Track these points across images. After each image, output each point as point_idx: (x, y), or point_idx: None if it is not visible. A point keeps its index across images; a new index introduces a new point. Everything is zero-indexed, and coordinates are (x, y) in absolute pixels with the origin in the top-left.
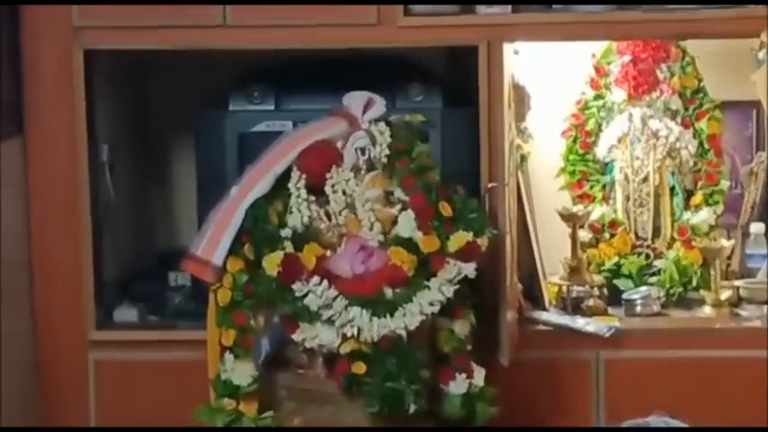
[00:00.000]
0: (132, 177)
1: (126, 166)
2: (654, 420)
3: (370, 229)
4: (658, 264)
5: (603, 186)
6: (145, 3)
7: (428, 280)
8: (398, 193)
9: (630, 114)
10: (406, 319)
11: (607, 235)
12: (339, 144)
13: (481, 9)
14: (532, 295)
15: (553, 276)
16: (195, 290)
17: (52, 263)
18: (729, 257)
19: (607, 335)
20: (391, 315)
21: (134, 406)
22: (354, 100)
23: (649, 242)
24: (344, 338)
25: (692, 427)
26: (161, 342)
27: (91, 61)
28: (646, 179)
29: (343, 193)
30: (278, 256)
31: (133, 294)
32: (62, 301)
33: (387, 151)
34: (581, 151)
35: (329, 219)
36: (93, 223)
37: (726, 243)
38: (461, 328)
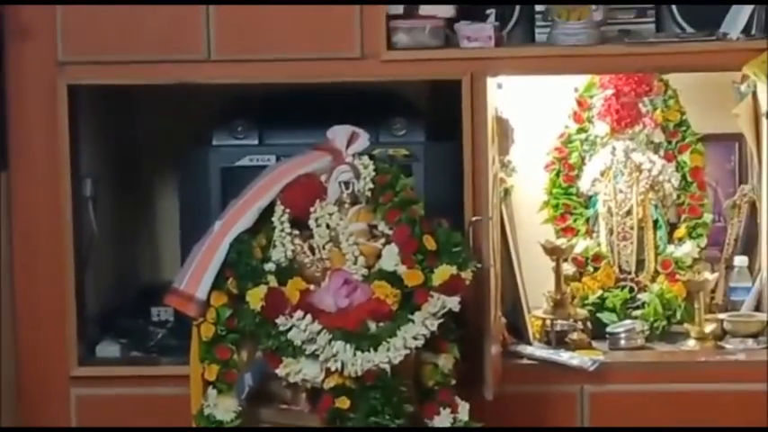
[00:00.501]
0: (115, 212)
1: (109, 200)
2: None
3: (354, 263)
4: (642, 297)
5: (587, 220)
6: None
7: (412, 314)
8: (382, 227)
9: (613, 148)
10: (390, 354)
11: (591, 268)
12: (323, 178)
13: (464, 43)
14: (516, 329)
15: (537, 310)
16: (178, 325)
17: (35, 298)
18: (713, 291)
19: (591, 368)
20: (375, 349)
21: None
22: (338, 134)
23: (633, 275)
24: (328, 373)
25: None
26: (143, 377)
27: (75, 96)
28: (629, 212)
29: (327, 226)
30: (261, 290)
31: (116, 329)
32: (45, 337)
33: (370, 185)
34: (564, 184)
35: (313, 253)
36: (76, 258)
37: (709, 276)
38: (445, 362)
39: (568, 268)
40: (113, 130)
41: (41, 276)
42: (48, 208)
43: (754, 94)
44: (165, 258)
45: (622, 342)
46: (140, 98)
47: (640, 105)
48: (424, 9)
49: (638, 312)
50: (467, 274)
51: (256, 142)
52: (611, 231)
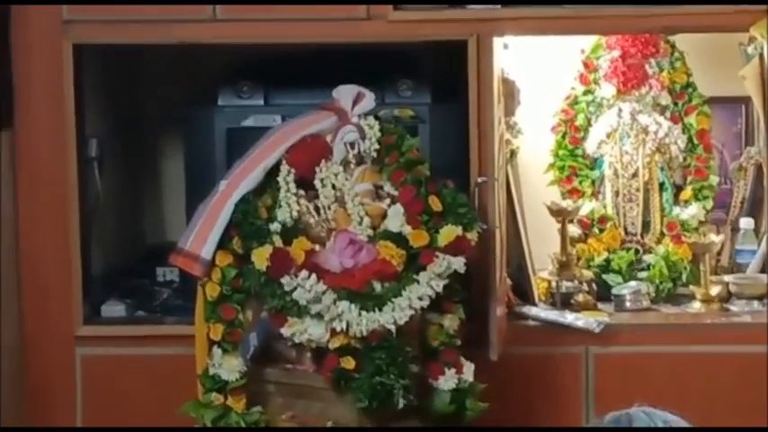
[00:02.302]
0: (121, 172)
1: (114, 161)
2: (634, 411)
3: (360, 223)
4: (648, 259)
5: (593, 182)
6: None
7: (417, 274)
8: (388, 188)
9: (620, 109)
10: (396, 314)
11: (596, 230)
12: (328, 138)
13: (471, 3)
14: (522, 290)
15: (542, 272)
16: (183, 285)
17: (40, 258)
18: (719, 253)
19: (597, 330)
20: (380, 309)
21: (121, 401)
22: (344, 94)
23: (639, 237)
24: (333, 333)
25: (683, 427)
26: (149, 337)
27: (80, 56)
28: (635, 174)
29: (333, 187)
30: (267, 250)
31: (121, 290)
32: (50, 297)
33: (376, 145)
34: (570, 146)
35: (318, 213)
36: (82, 218)
37: (715, 238)
38: (450, 322)
39: (574, 230)
40: (119, 90)
41: (46, 237)
42: (52, 168)
43: (761, 56)
44: (171, 219)
45: (628, 304)
46: (146, 58)
47: (647, 67)
48: None
49: (643, 274)
50: (472, 235)
51: (262, 102)
52: (616, 193)
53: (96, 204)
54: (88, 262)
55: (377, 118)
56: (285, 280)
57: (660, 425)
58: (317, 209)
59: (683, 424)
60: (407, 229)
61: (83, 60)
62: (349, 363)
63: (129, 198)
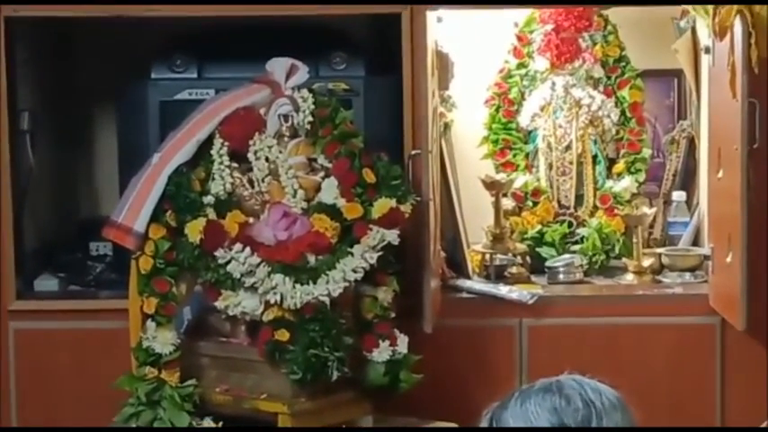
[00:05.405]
0: (53, 146)
1: (47, 134)
2: (564, 378)
3: (294, 196)
4: (581, 232)
5: (526, 155)
6: None
7: (351, 247)
8: (321, 160)
9: (553, 83)
10: (330, 286)
11: (530, 203)
12: (262, 111)
13: None
14: (456, 263)
15: (476, 244)
16: (117, 259)
17: None
18: (651, 225)
19: (530, 302)
20: (314, 282)
21: (55, 375)
22: (277, 66)
23: (572, 210)
24: (267, 306)
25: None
26: (82, 311)
27: (11, 29)
28: (568, 147)
29: (266, 159)
30: (200, 223)
31: (54, 264)
32: None
33: (310, 118)
34: (504, 120)
35: (252, 186)
36: (14, 192)
37: (648, 211)
38: (384, 295)
39: (508, 203)
40: (51, 63)
41: None
42: None
43: (694, 30)
44: (104, 192)
45: (561, 276)
46: (78, 31)
47: (580, 41)
48: None
49: (576, 247)
50: (406, 208)
51: (195, 76)
52: (550, 166)
53: (29, 178)
54: (21, 236)
55: (311, 91)
56: (219, 253)
57: (590, 392)
58: (250, 181)
59: (613, 393)
60: (341, 202)
61: (14, 33)
62: (283, 335)
63: (62, 172)
